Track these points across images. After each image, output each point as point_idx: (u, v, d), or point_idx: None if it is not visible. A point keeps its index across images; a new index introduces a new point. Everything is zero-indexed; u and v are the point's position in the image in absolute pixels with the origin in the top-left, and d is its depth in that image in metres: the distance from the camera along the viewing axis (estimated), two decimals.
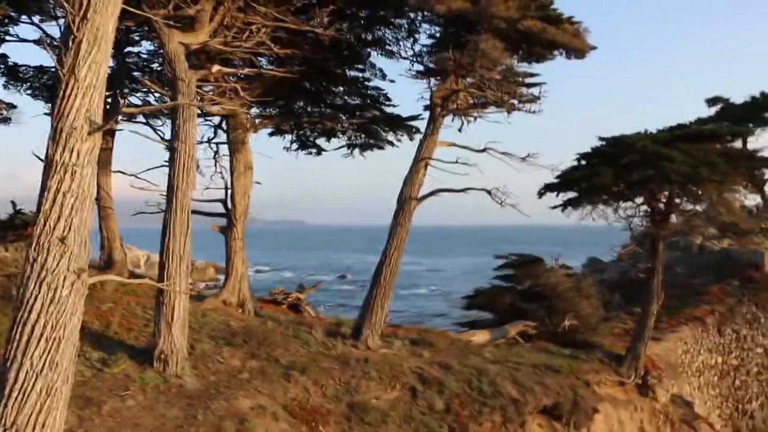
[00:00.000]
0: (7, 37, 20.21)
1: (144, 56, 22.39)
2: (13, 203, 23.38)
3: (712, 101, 42.83)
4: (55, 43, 16.07)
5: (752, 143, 34.08)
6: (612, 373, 21.25)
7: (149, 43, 21.10)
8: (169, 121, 17.79)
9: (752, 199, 40.61)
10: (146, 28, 18.41)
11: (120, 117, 18.13)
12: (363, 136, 23.89)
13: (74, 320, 6.50)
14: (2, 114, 20.50)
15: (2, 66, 21.15)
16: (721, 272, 36.86)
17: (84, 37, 6.57)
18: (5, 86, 21.52)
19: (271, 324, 18.92)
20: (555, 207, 23.27)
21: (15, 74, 21.33)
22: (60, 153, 6.49)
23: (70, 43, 6.59)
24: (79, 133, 6.52)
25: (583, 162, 22.63)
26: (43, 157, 6.74)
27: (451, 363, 17.89)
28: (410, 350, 19.26)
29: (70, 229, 6.45)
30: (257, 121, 21.49)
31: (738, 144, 26.16)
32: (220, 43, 16.23)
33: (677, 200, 22.18)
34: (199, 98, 16.15)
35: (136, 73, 21.86)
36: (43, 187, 6.54)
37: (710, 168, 20.16)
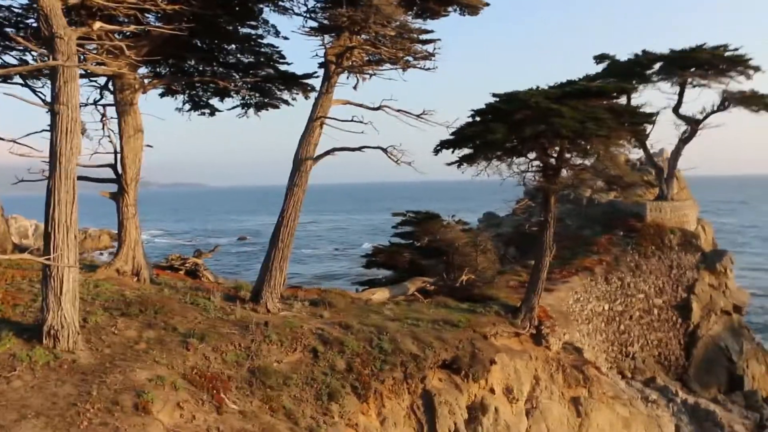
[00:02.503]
0: None
1: (17, 10, 20.88)
2: None
3: (599, 58, 44.38)
4: None
5: (635, 99, 35.93)
6: (508, 324, 22.04)
7: None
8: (49, 83, 16.79)
9: (636, 154, 42.89)
10: None
11: None
12: (257, 95, 23.29)
13: None
14: None
15: None
16: (608, 223, 38.96)
17: None
18: None
19: (167, 291, 18.46)
20: (451, 163, 23.67)
21: None
22: None
23: None
24: None
25: (478, 118, 23.03)
26: None
27: (351, 322, 18.05)
28: (310, 312, 19.28)
29: None
30: (146, 81, 20.53)
31: (623, 100, 27.31)
32: None
33: (567, 155, 23.00)
34: (81, 57, 15.24)
35: (8, 30, 20.38)
36: None
37: (597, 123, 20.99)
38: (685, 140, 42.87)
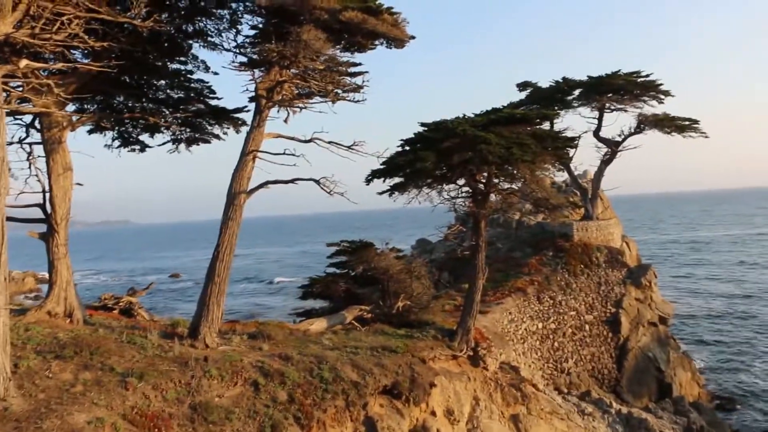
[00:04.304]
0: None
1: None
2: None
3: (522, 86, 45.94)
4: None
5: (558, 124, 37.32)
6: (445, 348, 22.41)
7: None
8: None
9: (561, 176, 44.43)
10: None
11: None
12: (188, 130, 23.24)
13: None
14: None
15: None
16: (538, 245, 40.11)
17: None
18: None
19: (102, 331, 18.10)
20: (382, 192, 24.03)
21: None
22: None
23: None
24: None
25: (407, 148, 23.49)
26: None
27: (290, 354, 18.09)
28: (249, 345, 19.21)
29: None
30: (74, 118, 20.26)
31: (546, 126, 28.36)
32: (27, 36, 15.07)
33: (495, 180, 23.67)
34: (5, 95, 14.99)
35: None
36: None
37: (522, 149, 21.70)
38: (606, 162, 44.70)
